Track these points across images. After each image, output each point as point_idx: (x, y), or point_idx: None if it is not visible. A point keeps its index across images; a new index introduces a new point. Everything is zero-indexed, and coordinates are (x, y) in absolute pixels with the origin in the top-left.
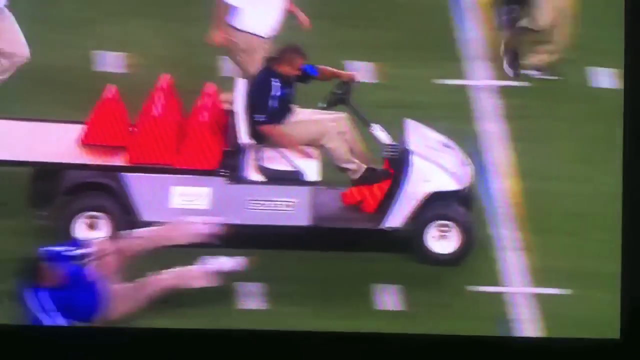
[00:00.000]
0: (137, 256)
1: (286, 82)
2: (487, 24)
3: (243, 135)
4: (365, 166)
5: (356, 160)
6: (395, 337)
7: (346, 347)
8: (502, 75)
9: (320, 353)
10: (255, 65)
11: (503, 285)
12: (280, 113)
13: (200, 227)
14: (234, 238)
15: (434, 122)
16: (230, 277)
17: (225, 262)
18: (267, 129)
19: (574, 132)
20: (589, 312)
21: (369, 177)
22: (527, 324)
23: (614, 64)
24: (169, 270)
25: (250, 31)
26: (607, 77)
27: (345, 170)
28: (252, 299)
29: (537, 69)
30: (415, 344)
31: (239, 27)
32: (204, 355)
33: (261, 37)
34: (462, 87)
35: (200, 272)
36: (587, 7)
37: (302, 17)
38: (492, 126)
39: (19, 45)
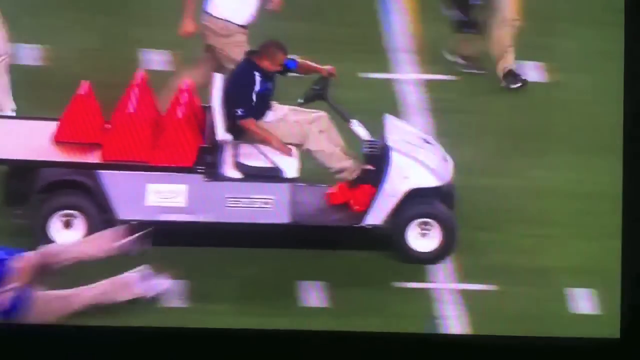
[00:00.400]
0: (61, 269)
1: (267, 77)
2: (413, 17)
3: (220, 131)
4: (360, 165)
5: (350, 159)
6: (318, 334)
7: (270, 345)
8: (428, 69)
9: (242, 351)
10: (235, 51)
11: (430, 282)
12: (260, 108)
13: (116, 240)
14: (212, 236)
15: (360, 117)
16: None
17: (157, 284)
18: (246, 123)
19: (501, 126)
20: (514, 308)
21: (366, 178)
22: (454, 321)
23: (540, 57)
24: (98, 283)
25: (226, 19)
26: (533, 71)
27: (341, 171)
28: (174, 298)
29: (467, 59)
30: (341, 341)
31: (214, 14)
32: (131, 353)
33: (237, 24)
34: (388, 80)
35: (129, 287)
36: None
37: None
38: (418, 120)
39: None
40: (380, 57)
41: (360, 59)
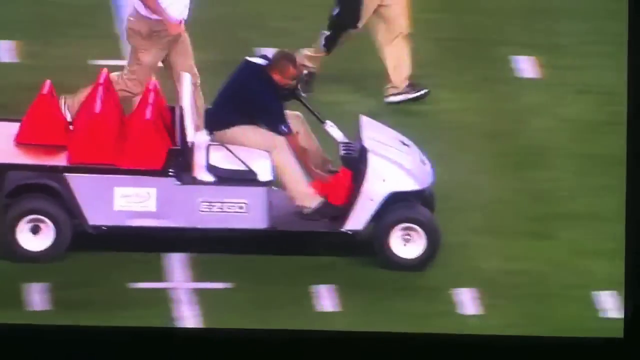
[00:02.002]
0: None
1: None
2: None
3: (191, 132)
4: (321, 198)
5: (309, 190)
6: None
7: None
8: None
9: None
10: (155, 55)
11: (165, 281)
12: None
13: None
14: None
15: None
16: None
17: None
18: (291, 139)
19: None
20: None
21: (324, 212)
22: (189, 320)
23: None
24: None
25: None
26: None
27: (293, 199)
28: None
29: (398, 92)
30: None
31: (144, 14)
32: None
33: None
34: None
35: None
36: None
37: None
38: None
39: None
40: (111, 42)
41: (89, 44)
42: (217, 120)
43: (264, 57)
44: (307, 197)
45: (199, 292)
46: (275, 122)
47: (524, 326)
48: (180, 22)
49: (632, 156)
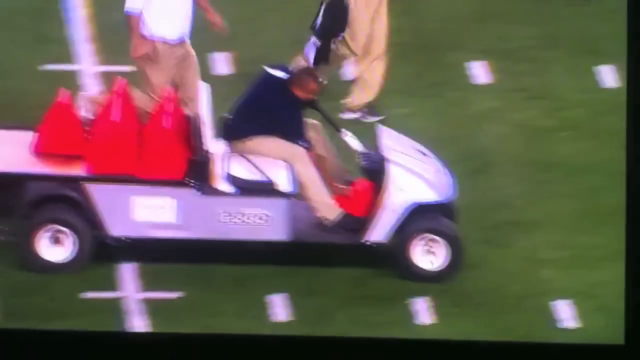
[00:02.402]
0: None
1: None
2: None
3: (209, 142)
4: (342, 210)
5: (331, 201)
6: None
7: None
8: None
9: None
10: (162, 75)
11: (117, 290)
12: None
13: None
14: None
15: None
16: None
17: None
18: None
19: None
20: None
21: (346, 224)
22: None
23: None
24: None
25: (157, 36)
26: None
27: (315, 210)
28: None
29: (355, 110)
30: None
31: (146, 35)
32: None
33: (168, 41)
34: (70, 72)
35: None
36: None
37: (214, 16)
38: None
39: None
40: (59, 48)
41: (38, 49)
42: (235, 130)
43: (283, 68)
44: (329, 208)
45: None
46: (294, 137)
47: (479, 335)
48: (183, 39)
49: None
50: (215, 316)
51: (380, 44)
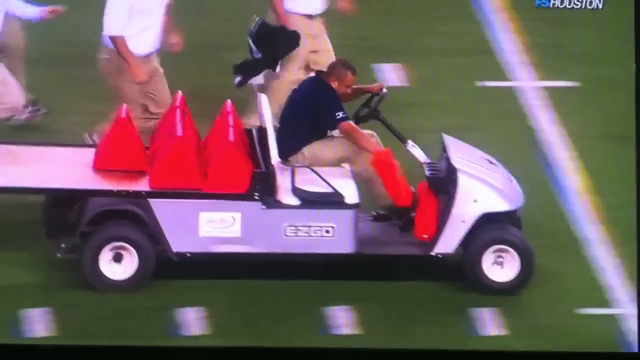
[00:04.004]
0: None
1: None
2: None
3: (274, 154)
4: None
5: (401, 190)
6: None
7: None
8: None
9: None
10: (135, 89)
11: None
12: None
13: None
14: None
15: None
16: None
17: None
18: (348, 125)
19: None
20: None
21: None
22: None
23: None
24: None
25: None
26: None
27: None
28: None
29: None
30: None
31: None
32: None
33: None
34: None
35: None
36: None
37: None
38: None
39: (14, 96)
40: None
41: None
42: (285, 144)
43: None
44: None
45: None
46: (333, 112)
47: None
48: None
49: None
50: (279, 329)
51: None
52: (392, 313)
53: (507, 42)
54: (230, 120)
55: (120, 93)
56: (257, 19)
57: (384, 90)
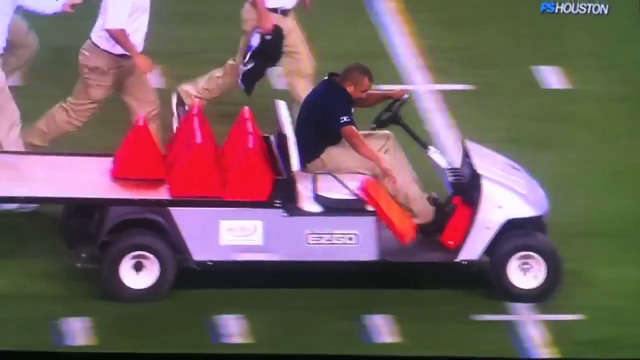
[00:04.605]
0: None
1: (351, 103)
2: None
3: (294, 161)
4: (432, 207)
5: (425, 202)
6: None
7: None
8: None
9: None
10: (107, 91)
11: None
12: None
13: None
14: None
15: None
16: None
17: None
18: (349, 130)
19: None
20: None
21: (440, 220)
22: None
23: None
24: None
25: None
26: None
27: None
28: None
29: None
30: None
31: (100, 46)
32: None
33: (114, 54)
34: None
35: None
36: None
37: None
38: None
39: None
40: None
41: None
42: (303, 150)
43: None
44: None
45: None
46: (338, 115)
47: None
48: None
49: None
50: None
51: (307, 65)
52: (285, 320)
53: (402, 45)
54: (249, 127)
55: (86, 90)
56: (254, 32)
57: (406, 95)
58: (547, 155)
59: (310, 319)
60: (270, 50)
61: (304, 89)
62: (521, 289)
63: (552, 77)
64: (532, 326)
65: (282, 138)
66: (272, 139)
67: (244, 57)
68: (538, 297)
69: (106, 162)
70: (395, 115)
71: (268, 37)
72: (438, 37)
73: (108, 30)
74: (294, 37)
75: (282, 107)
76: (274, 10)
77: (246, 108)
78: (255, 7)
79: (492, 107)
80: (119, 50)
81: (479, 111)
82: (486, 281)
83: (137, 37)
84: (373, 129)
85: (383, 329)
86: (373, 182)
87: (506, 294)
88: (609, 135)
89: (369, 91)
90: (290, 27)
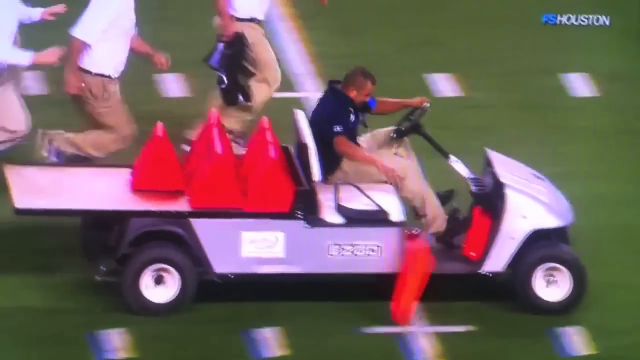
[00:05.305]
0: None
1: (355, 108)
2: None
3: (316, 171)
4: (444, 215)
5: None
6: None
7: None
8: None
9: None
10: (105, 112)
11: None
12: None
13: None
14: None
15: None
16: None
17: None
18: (341, 140)
19: None
20: None
21: (453, 228)
22: None
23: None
24: None
25: (100, 72)
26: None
27: (428, 217)
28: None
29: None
30: None
31: (93, 71)
32: None
33: (111, 77)
34: None
35: None
36: None
37: (159, 57)
38: None
39: (19, 122)
40: None
41: None
42: (323, 160)
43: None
44: (442, 220)
45: None
46: (332, 124)
47: None
48: None
49: None
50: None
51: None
52: (174, 334)
53: (293, 52)
54: (269, 137)
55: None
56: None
57: (426, 104)
58: (440, 163)
59: (199, 333)
60: (231, 57)
61: (267, 97)
62: (546, 301)
63: (443, 84)
64: (422, 338)
65: (302, 148)
66: (291, 149)
67: (211, 67)
68: (563, 310)
69: (125, 174)
70: (416, 124)
71: (224, 44)
72: (329, 44)
73: (73, 38)
74: (261, 47)
75: (300, 116)
76: (244, 19)
77: (265, 118)
78: (219, 14)
79: (385, 115)
80: (104, 71)
81: (372, 119)
82: (377, 292)
83: (116, 59)
84: (393, 138)
85: (272, 342)
86: (424, 251)
87: (531, 306)
88: (501, 142)
89: (388, 99)
90: (259, 37)
